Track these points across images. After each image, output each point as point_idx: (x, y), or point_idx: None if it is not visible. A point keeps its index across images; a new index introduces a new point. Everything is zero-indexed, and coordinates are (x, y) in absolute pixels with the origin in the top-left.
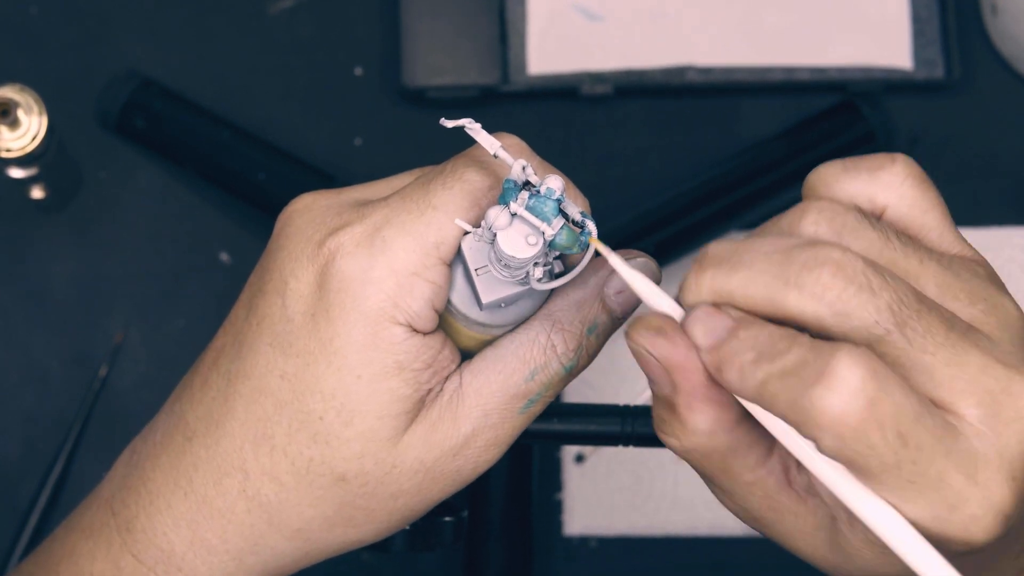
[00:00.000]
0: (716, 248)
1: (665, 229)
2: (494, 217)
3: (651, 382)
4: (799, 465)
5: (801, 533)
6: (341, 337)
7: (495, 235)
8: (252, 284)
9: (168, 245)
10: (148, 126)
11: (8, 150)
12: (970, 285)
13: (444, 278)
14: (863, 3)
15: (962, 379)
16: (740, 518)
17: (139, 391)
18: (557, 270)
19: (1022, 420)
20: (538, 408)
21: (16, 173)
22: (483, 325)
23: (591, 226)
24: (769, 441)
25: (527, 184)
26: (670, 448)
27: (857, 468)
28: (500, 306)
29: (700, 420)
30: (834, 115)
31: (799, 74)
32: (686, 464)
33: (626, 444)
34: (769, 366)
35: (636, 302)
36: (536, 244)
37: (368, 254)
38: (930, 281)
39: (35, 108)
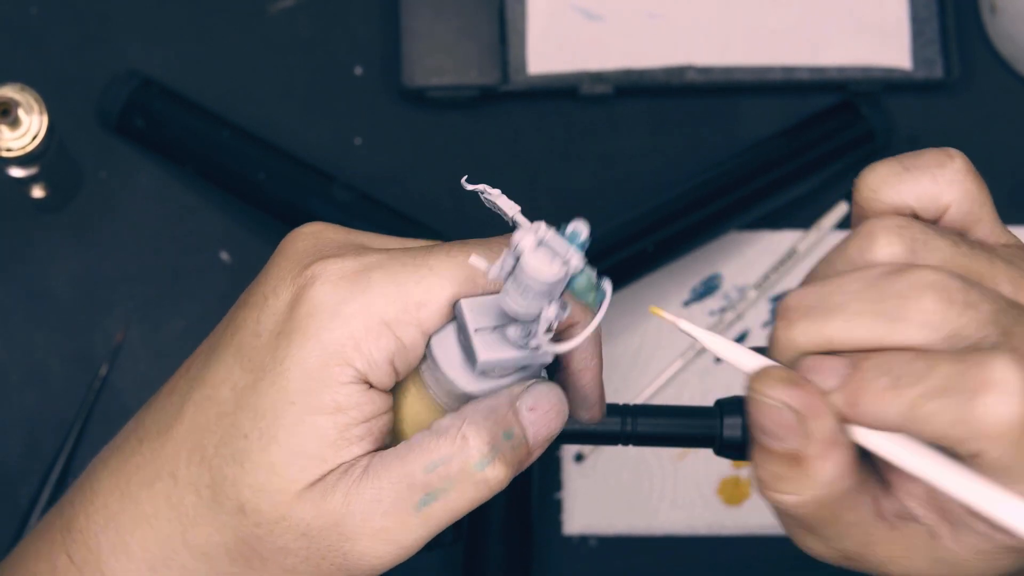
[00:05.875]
0: (798, 299)
1: (665, 229)
2: (520, 238)
3: (770, 438)
4: (885, 494)
5: (894, 558)
6: (293, 359)
7: (516, 261)
8: (241, 296)
9: (168, 245)
10: (148, 126)
11: (8, 150)
12: None
13: (413, 341)
14: (862, 3)
15: None
16: (828, 560)
17: (139, 391)
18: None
19: None
20: (440, 512)
21: (16, 173)
22: (454, 395)
23: (607, 285)
24: (862, 477)
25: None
26: (780, 505)
27: (1015, 477)
28: (491, 372)
29: (830, 467)
30: (833, 115)
31: (798, 74)
32: (686, 464)
33: (626, 443)
34: (916, 387)
35: (549, 430)
36: (561, 271)
37: (348, 289)
38: (1002, 279)
39: (35, 108)
